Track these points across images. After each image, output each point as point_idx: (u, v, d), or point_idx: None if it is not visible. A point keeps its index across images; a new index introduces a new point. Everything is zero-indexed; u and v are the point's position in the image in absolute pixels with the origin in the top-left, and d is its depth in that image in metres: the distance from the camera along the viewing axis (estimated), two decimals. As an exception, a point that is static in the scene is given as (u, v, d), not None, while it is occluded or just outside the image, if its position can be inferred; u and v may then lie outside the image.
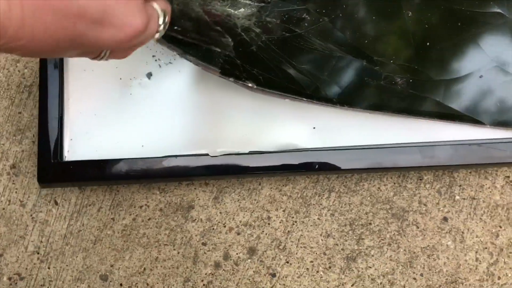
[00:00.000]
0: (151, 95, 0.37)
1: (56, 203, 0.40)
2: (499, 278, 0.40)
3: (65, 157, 0.37)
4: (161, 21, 0.28)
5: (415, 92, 0.38)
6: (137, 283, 0.39)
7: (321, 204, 0.41)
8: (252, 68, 0.37)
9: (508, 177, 0.41)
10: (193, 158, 0.37)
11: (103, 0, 0.25)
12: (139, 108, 0.37)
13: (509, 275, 0.40)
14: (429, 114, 0.38)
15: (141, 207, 0.40)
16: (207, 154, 0.37)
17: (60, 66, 0.38)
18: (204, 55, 0.35)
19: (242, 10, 0.38)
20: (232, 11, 0.37)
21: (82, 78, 0.38)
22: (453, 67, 0.38)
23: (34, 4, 0.24)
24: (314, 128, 0.38)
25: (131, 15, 0.26)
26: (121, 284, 0.39)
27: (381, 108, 0.38)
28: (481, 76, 0.38)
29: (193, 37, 0.36)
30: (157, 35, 0.29)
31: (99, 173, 0.37)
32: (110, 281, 0.39)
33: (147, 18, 0.27)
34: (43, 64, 0.38)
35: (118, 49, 0.29)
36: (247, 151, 0.37)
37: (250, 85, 0.36)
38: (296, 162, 0.38)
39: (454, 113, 0.38)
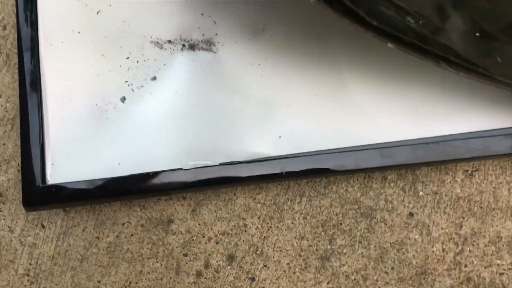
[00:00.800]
0: (126, 118, 0.40)
1: (43, 226, 0.42)
2: (465, 266, 0.43)
3: (48, 181, 0.39)
4: None
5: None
6: (123, 297, 0.41)
7: (293, 209, 0.43)
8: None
9: (467, 171, 0.44)
10: (168, 173, 0.39)
11: None
12: (115, 130, 0.40)
13: (475, 262, 0.43)
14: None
15: (123, 224, 0.42)
16: (181, 169, 0.39)
17: (39, 97, 0.41)
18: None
19: None
20: None
21: (60, 106, 0.40)
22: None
23: None
24: (280, 137, 0.41)
25: None
26: (108, 299, 0.41)
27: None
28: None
29: None
30: None
31: (80, 194, 0.40)
32: (98, 297, 0.41)
33: None
34: (23, 96, 0.40)
35: None
36: (217, 163, 0.39)
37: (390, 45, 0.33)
38: (265, 171, 0.40)
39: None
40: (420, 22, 0.32)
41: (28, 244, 0.42)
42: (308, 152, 0.40)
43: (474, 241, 0.43)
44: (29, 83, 0.40)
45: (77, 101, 0.40)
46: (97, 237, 0.42)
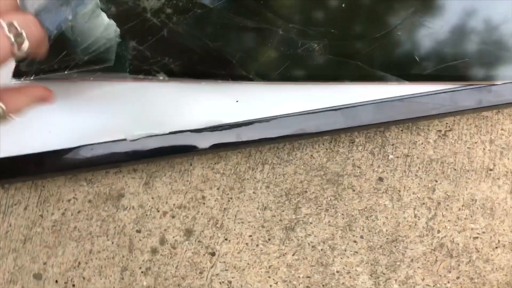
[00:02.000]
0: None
1: (-21, 206, 0.38)
2: (438, 231, 0.40)
3: (-20, 156, 0.35)
4: (7, 31, 0.28)
5: (334, 57, 0.37)
6: (72, 278, 0.38)
7: (255, 178, 0.40)
8: (163, 57, 0.36)
9: (440, 131, 0.41)
10: (112, 144, 0.35)
11: None
12: (57, 102, 0.36)
13: (448, 227, 0.40)
14: (349, 78, 0.37)
15: (69, 200, 0.39)
16: (125, 139, 0.35)
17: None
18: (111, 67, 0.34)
19: None
20: None
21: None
22: (369, 27, 0.38)
23: None
24: (237, 101, 0.38)
25: None
26: (56, 281, 0.38)
27: (301, 78, 0.37)
28: (398, 33, 0.38)
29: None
30: (17, 49, 0.28)
31: (20, 169, 0.36)
32: (45, 279, 0.38)
33: None
34: None
35: (3, 91, 0.29)
36: (167, 132, 0.36)
37: (161, 78, 0.35)
38: (224, 138, 0.37)
39: (374, 74, 0.37)
40: None
41: (-35, 226, 0.38)
42: (267, 117, 0.37)
43: (447, 205, 0.41)
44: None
45: (9, 70, 0.36)
46: (41, 215, 0.38)
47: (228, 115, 0.37)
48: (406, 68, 0.37)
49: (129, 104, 0.36)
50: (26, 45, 0.29)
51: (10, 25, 0.28)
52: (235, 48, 0.37)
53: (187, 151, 0.37)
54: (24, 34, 0.28)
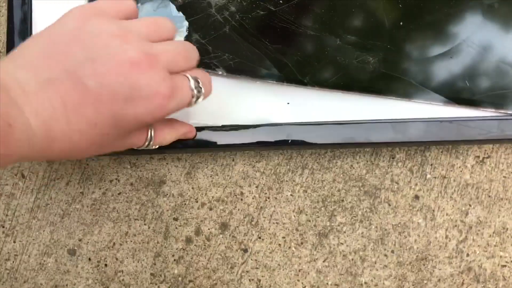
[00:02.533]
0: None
1: (23, 176, 0.39)
2: (467, 255, 0.41)
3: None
4: (192, 85, 0.30)
5: (387, 72, 0.38)
6: (106, 258, 0.38)
7: (294, 181, 0.40)
8: (223, 53, 0.37)
9: (478, 157, 0.42)
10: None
11: (128, 79, 0.27)
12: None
13: (477, 252, 0.41)
14: (400, 94, 0.38)
15: (111, 181, 0.39)
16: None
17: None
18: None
19: None
20: None
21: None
22: (425, 47, 0.38)
23: (74, 100, 0.26)
24: (288, 103, 0.38)
25: (155, 84, 0.27)
26: (89, 259, 0.38)
27: (353, 87, 0.38)
28: (451, 57, 0.39)
29: None
30: (194, 101, 0.31)
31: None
32: (78, 256, 0.38)
33: (172, 84, 0.28)
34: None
35: (157, 122, 0.32)
36: (219, 125, 0.36)
37: (220, 73, 0.36)
38: (269, 137, 0.38)
39: (426, 93, 0.38)
40: None
41: (6, 193, 0.38)
42: (317, 122, 0.38)
43: (479, 230, 0.41)
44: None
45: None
46: (82, 193, 0.39)
47: (278, 115, 0.38)
48: (456, 91, 0.38)
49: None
50: (200, 100, 0.31)
51: (195, 80, 0.30)
52: (292, 52, 0.38)
53: (234, 146, 0.38)
54: (203, 90, 0.31)
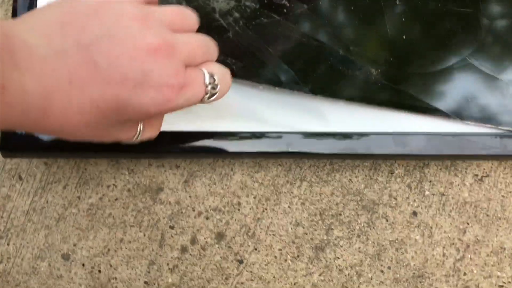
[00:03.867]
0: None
1: (20, 178, 0.38)
2: (464, 274, 0.40)
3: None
4: (207, 81, 0.29)
5: (389, 84, 0.38)
6: (100, 264, 0.38)
7: (292, 193, 0.40)
8: (226, 57, 0.37)
9: (477, 175, 0.42)
10: (164, 134, 0.36)
11: (141, 65, 0.25)
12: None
13: (475, 271, 0.40)
14: (402, 106, 0.38)
15: (108, 186, 0.39)
16: (177, 132, 0.36)
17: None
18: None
19: None
20: None
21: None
22: (427, 62, 0.39)
23: (81, 77, 0.25)
24: (289, 111, 0.38)
25: (167, 75, 0.26)
26: (83, 264, 0.38)
27: (355, 98, 0.38)
28: (454, 72, 0.39)
29: None
30: (207, 97, 0.29)
31: (66, 144, 0.36)
32: (72, 261, 0.38)
33: (185, 79, 0.27)
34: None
35: (156, 117, 0.30)
36: (219, 130, 0.37)
37: None
38: (269, 146, 0.37)
39: (427, 107, 0.38)
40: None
41: (2, 195, 0.38)
42: (316, 132, 0.38)
43: (476, 249, 0.41)
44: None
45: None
46: (78, 197, 0.39)
47: (278, 123, 0.38)
48: (458, 107, 0.38)
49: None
50: (214, 98, 0.30)
51: (211, 76, 0.29)
52: (295, 60, 0.38)
53: (233, 154, 0.38)
54: (218, 87, 0.30)
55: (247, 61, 0.37)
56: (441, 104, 0.38)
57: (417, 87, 0.38)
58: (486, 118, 0.38)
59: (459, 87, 0.39)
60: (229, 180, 0.40)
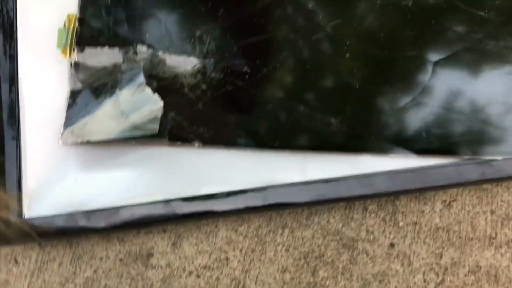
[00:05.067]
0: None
1: (16, 261, 0.40)
2: (446, 296, 0.43)
3: (24, 215, 0.38)
4: None
5: (350, 131, 0.41)
6: (101, 335, 0.39)
7: (275, 241, 0.43)
8: (198, 127, 0.40)
9: (445, 201, 0.45)
10: (150, 206, 0.38)
11: None
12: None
13: (456, 292, 0.43)
14: (365, 149, 0.41)
15: (101, 258, 0.41)
16: (162, 201, 0.39)
17: (17, 129, 0.40)
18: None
19: (189, 68, 0.41)
20: (179, 71, 0.41)
21: (37, 138, 0.40)
22: (381, 105, 0.42)
23: None
24: (262, 166, 0.41)
25: None
26: (85, 337, 0.39)
27: (319, 147, 0.41)
28: (407, 112, 0.42)
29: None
30: None
31: (58, 228, 0.38)
32: (74, 335, 0.39)
33: None
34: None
35: None
36: (200, 194, 0.39)
37: (196, 145, 0.40)
38: (248, 201, 0.40)
39: (387, 147, 0.41)
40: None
41: (0, 281, 0.40)
42: (288, 183, 0.41)
43: (454, 271, 0.43)
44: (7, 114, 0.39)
45: (54, 134, 0.40)
46: (74, 273, 0.40)
47: (254, 180, 0.41)
48: (414, 143, 0.42)
49: (166, 167, 0.39)
50: None
51: None
52: (261, 120, 0.41)
53: (216, 214, 0.40)
54: None
55: (217, 128, 0.40)
56: (399, 143, 0.42)
57: (376, 130, 0.41)
58: (441, 150, 0.41)
59: (412, 124, 0.42)
60: (214, 236, 0.42)
